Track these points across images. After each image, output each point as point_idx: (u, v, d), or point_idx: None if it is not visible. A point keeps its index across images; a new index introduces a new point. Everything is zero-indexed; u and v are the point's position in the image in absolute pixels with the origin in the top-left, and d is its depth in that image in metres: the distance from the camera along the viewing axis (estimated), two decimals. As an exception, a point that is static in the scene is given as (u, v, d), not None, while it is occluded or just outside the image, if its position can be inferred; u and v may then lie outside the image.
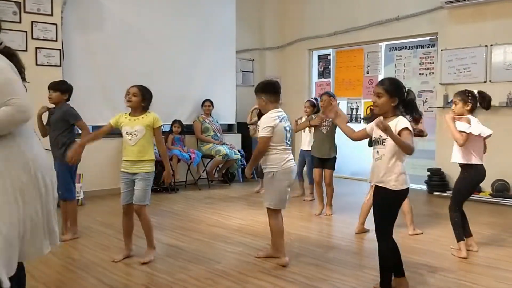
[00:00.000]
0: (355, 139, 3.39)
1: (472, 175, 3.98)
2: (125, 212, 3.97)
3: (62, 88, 4.63)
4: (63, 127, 4.52)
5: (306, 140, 6.57)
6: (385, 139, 2.94)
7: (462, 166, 4.00)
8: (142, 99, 3.93)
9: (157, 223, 4.78)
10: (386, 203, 2.99)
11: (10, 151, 2.04)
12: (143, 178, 3.84)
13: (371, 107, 4.81)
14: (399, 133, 2.89)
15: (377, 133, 3.02)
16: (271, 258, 3.87)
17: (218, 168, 7.72)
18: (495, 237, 4.60)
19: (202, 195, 6.95)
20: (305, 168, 6.71)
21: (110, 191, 6.90)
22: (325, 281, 3.44)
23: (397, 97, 2.96)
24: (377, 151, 3.00)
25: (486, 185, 6.52)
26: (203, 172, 7.88)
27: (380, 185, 2.98)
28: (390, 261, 3.04)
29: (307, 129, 6.25)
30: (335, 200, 5.71)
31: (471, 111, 3.95)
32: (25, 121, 2.05)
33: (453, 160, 4.02)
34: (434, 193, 6.94)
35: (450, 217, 4.06)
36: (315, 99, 6.70)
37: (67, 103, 4.67)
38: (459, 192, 4.06)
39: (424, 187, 7.28)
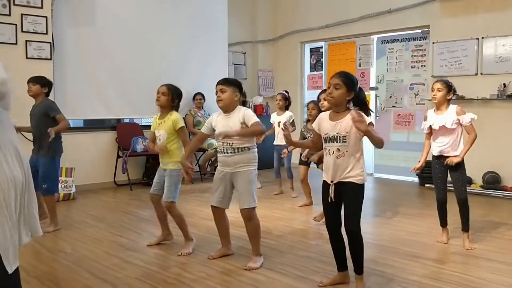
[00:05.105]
0: (318, 148, 3.42)
1: None
2: (151, 200, 4.10)
3: (42, 82, 4.62)
4: (47, 121, 4.47)
5: (278, 134, 6.25)
6: (345, 136, 2.91)
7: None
8: (171, 98, 4.01)
9: (150, 217, 4.75)
10: (359, 197, 2.98)
11: None
12: (168, 175, 3.95)
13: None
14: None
15: (334, 130, 2.95)
16: (226, 257, 3.83)
17: (210, 162, 7.71)
18: (487, 229, 4.64)
19: (194, 189, 6.94)
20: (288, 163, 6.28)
21: (103, 185, 6.89)
22: (318, 273, 3.44)
23: (353, 92, 2.95)
24: (338, 149, 2.94)
25: (477, 177, 6.58)
26: (195, 165, 7.86)
27: (347, 180, 2.94)
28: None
29: (281, 123, 5.93)
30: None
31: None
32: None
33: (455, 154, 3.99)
34: (426, 185, 6.97)
35: (467, 208, 4.01)
36: (286, 91, 6.51)
37: (47, 98, 4.66)
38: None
39: (416, 179, 7.32)
